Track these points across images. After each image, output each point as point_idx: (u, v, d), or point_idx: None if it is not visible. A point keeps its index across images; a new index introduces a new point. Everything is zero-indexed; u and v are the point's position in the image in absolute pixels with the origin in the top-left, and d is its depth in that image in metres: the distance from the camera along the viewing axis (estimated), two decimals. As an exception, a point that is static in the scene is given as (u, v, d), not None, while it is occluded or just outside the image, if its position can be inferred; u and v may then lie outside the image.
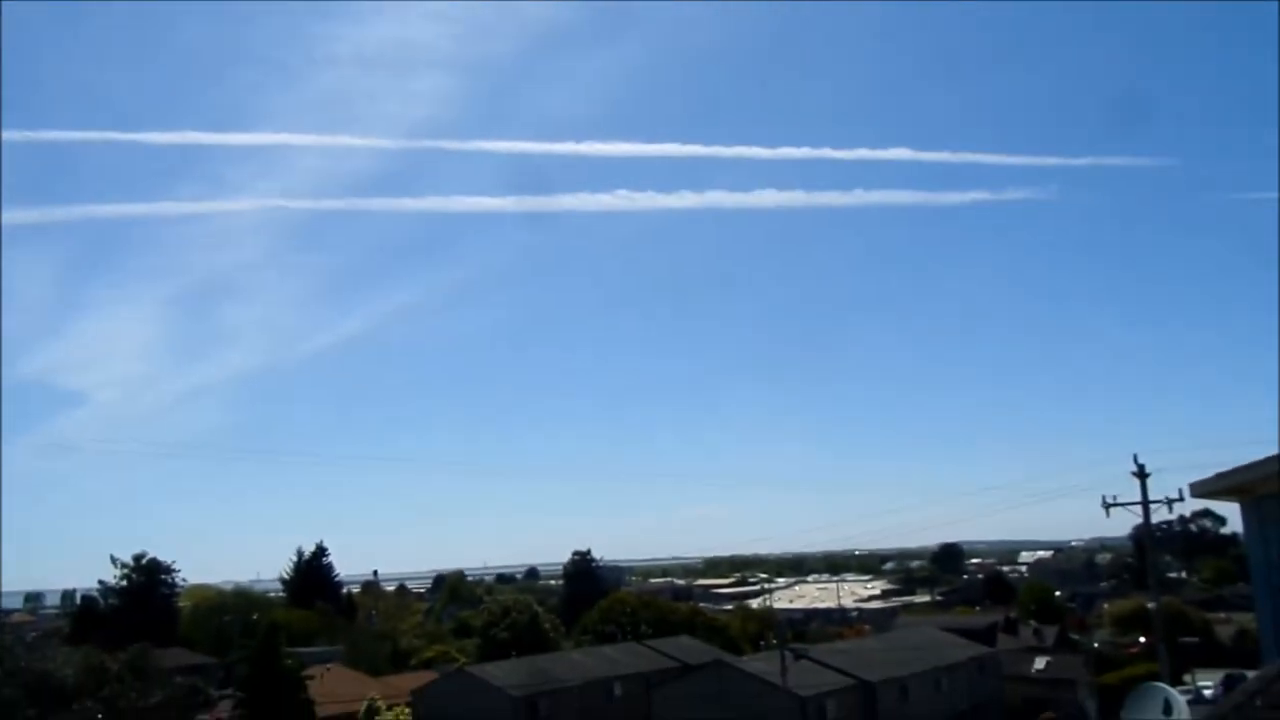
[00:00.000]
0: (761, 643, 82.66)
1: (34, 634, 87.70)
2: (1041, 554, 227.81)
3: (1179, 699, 11.23)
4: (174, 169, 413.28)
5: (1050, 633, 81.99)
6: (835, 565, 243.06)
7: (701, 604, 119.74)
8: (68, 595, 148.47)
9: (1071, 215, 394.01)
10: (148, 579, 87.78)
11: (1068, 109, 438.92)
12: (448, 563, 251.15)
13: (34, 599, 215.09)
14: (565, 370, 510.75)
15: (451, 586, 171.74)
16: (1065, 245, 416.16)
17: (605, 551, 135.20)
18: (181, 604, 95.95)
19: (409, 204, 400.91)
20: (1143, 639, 71.47)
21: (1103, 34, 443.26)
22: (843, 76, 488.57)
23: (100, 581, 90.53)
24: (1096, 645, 77.19)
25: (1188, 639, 61.73)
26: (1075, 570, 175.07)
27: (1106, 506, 37.46)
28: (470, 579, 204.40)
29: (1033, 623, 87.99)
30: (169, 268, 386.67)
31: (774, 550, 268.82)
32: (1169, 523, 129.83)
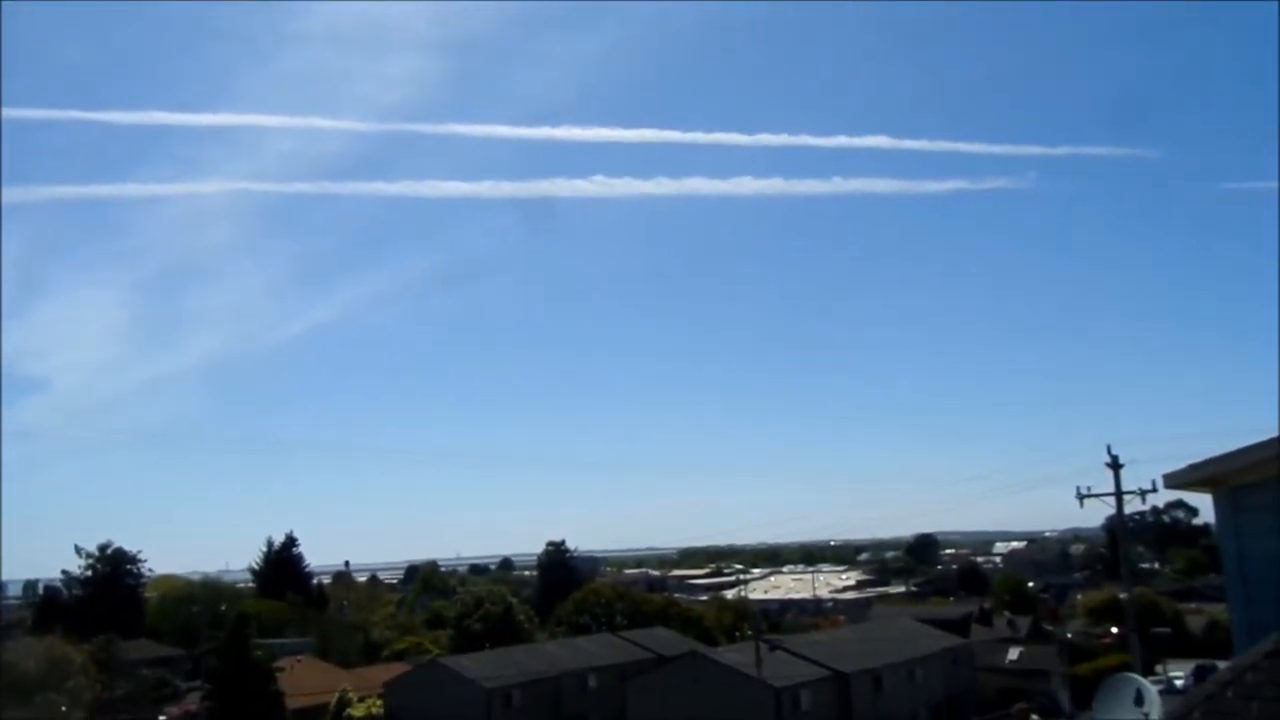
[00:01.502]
0: (737, 634, 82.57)
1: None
2: (1015, 545, 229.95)
3: (1151, 689, 10.94)
4: (139, 149, 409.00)
5: (1024, 623, 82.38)
6: (810, 556, 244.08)
7: (677, 595, 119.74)
8: (30, 585, 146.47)
9: (1050, 205, 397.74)
10: (113, 569, 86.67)
11: (1047, 98, 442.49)
12: (420, 553, 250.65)
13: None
14: (539, 359, 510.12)
15: (424, 577, 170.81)
16: (1043, 235, 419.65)
17: (580, 542, 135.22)
18: (148, 595, 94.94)
19: (382, 188, 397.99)
20: (1115, 630, 71.81)
21: (1083, 22, 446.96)
22: (821, 63, 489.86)
23: (64, 571, 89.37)
24: (1069, 636, 77.60)
25: (1160, 630, 62.00)
26: (1049, 561, 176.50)
27: (1080, 497, 37.35)
28: (443, 570, 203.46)
29: (1006, 613, 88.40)
30: (134, 250, 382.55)
31: (749, 541, 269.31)
32: (1142, 513, 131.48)
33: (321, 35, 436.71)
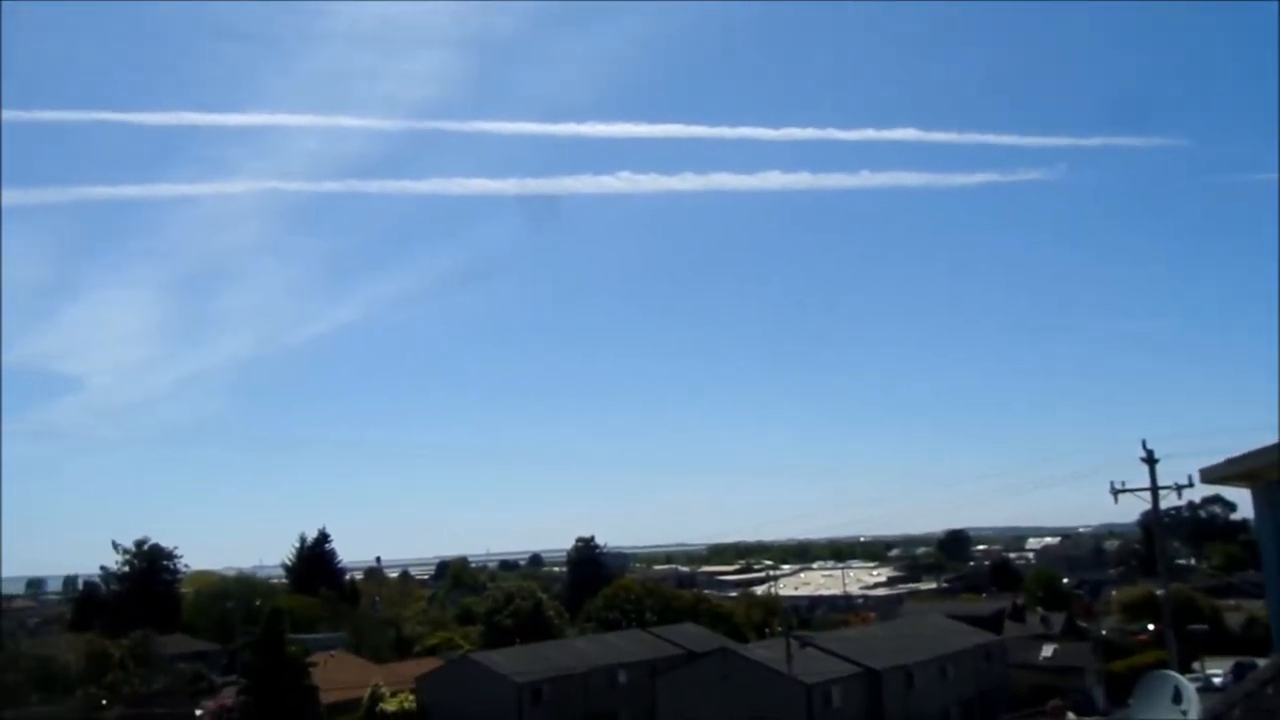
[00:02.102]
0: (766, 630, 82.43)
1: (36, 620, 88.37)
2: (1048, 540, 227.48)
3: (1188, 687, 10.78)
4: (168, 150, 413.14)
5: (1057, 620, 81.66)
6: (840, 552, 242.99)
7: (706, 591, 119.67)
8: (69, 581, 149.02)
9: (1081, 196, 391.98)
10: (149, 565, 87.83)
11: (1078, 87, 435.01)
12: (450, 549, 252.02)
13: (35, 585, 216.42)
14: (567, 355, 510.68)
15: (455, 573, 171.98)
16: (1074, 227, 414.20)
17: (609, 538, 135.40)
18: (184, 590, 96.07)
19: (409, 186, 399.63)
20: (1151, 626, 70.99)
21: (1114, 12, 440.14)
22: (848, 55, 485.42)
23: (102, 567, 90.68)
24: (1104, 633, 76.77)
25: (1197, 626, 61.23)
26: (1083, 557, 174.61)
27: (1115, 493, 36.91)
28: (473, 566, 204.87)
29: (1040, 610, 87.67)
30: (164, 250, 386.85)
31: (779, 537, 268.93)
32: (1178, 509, 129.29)
33: (345, 34, 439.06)
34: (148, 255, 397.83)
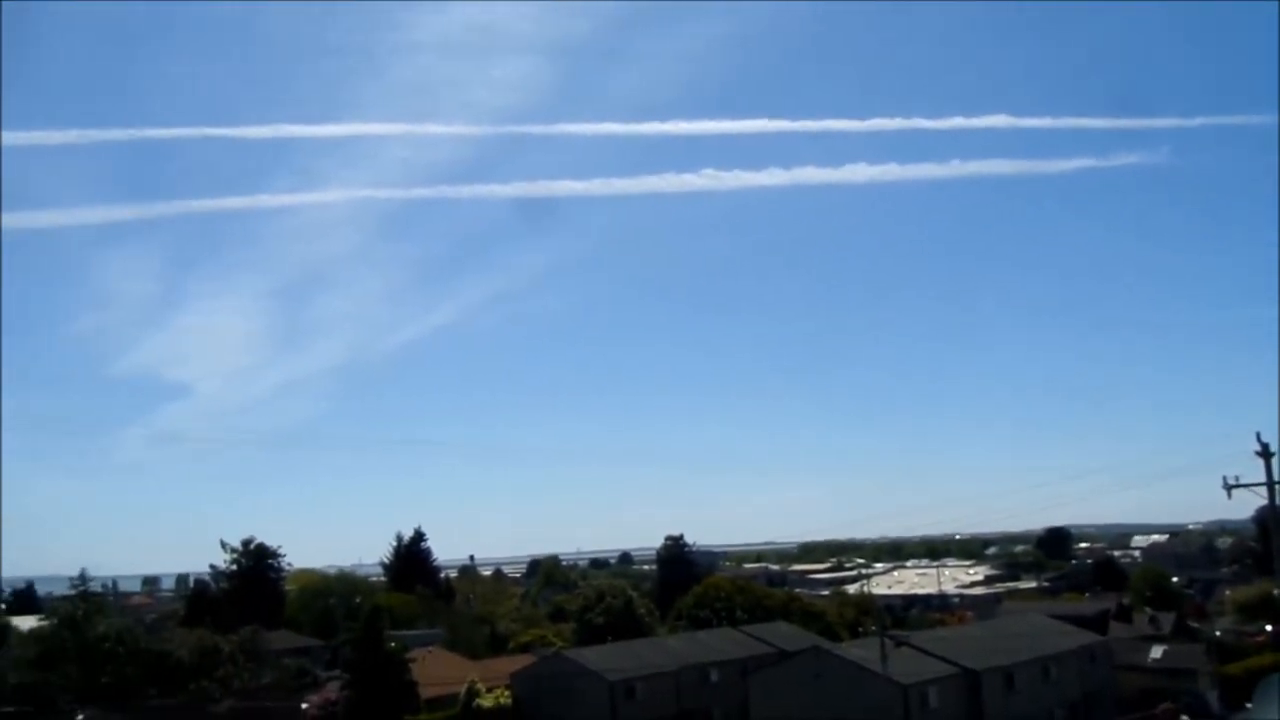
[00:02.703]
0: (860, 629, 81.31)
1: (152, 616, 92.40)
2: (1156, 538, 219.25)
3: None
4: (267, 162, 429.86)
5: (1167, 620, 78.82)
6: (935, 550, 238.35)
7: (797, 590, 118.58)
8: (182, 579, 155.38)
9: (1186, 181, 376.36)
10: (256, 563, 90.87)
11: (1180, 63, 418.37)
12: (542, 548, 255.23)
13: (151, 582, 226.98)
14: (657, 355, 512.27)
15: (546, 571, 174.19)
16: (1177, 213, 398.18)
17: (698, 537, 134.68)
18: (288, 588, 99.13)
19: (497, 190, 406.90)
20: (1269, 627, 67.92)
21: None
22: (935, 42, 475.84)
23: (211, 566, 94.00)
24: (1218, 634, 73.61)
25: (1318, 628, 58.28)
26: (1193, 555, 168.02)
27: (1228, 488, 35.44)
28: (564, 564, 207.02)
29: (1148, 610, 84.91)
30: (265, 260, 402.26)
31: (871, 535, 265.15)
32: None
33: (432, 44, 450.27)
34: (249, 265, 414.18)
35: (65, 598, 64.68)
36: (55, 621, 58.33)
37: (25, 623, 77.80)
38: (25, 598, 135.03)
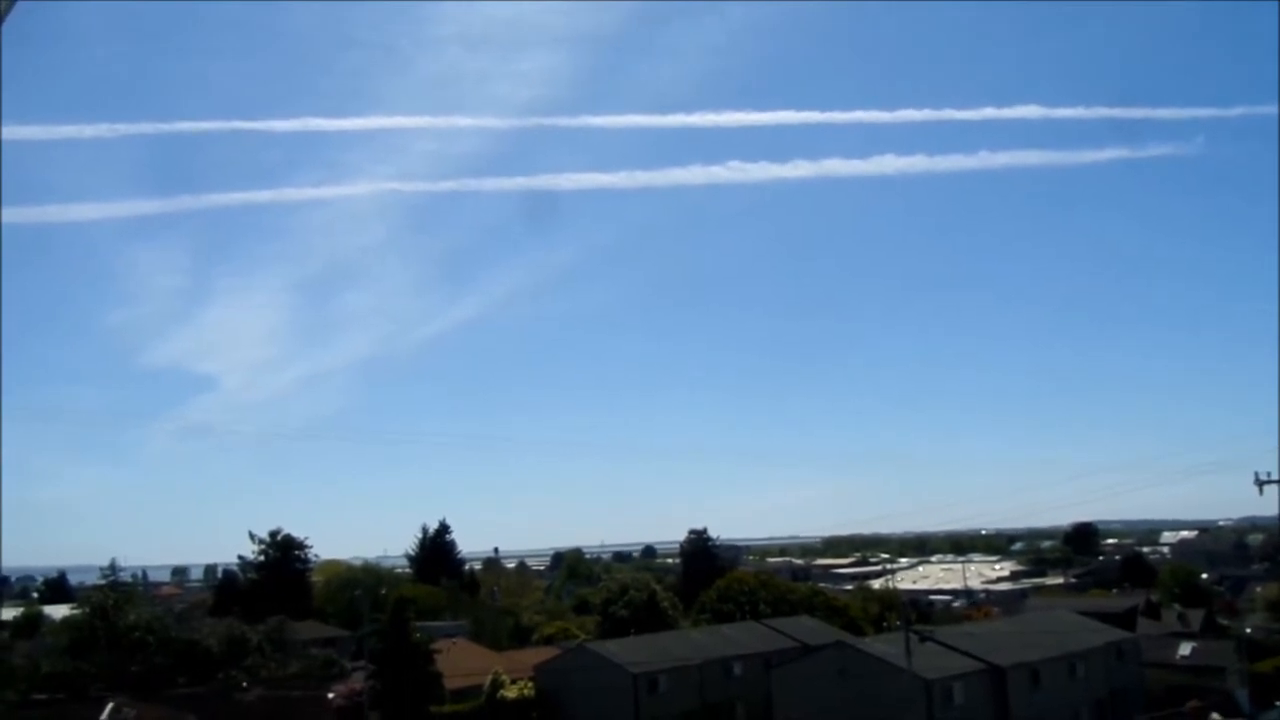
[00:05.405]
0: (884, 624, 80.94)
1: (182, 606, 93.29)
2: (1185, 534, 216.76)
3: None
4: (293, 156, 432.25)
5: (1196, 617, 77.94)
6: (960, 545, 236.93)
7: (821, 584, 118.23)
8: (210, 569, 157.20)
9: (1219, 171, 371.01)
10: (283, 554, 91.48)
11: (1216, 51, 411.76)
12: (565, 541, 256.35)
13: (180, 573, 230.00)
14: (680, 348, 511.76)
15: (570, 564, 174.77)
16: (1211, 205, 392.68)
17: (721, 530, 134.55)
18: (314, 579, 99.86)
19: (522, 183, 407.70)
20: (1300, 625, 66.91)
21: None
22: (964, 31, 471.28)
23: (239, 556, 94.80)
24: (1249, 631, 72.67)
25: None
26: (1223, 551, 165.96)
27: (1259, 484, 34.98)
28: (588, 557, 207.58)
29: (1176, 607, 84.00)
30: (291, 253, 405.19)
31: (895, 530, 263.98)
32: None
33: (457, 38, 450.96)
34: (276, 258, 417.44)
35: (96, 587, 65.49)
36: (87, 611, 59.10)
37: (58, 612, 79.12)
38: (57, 587, 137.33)
